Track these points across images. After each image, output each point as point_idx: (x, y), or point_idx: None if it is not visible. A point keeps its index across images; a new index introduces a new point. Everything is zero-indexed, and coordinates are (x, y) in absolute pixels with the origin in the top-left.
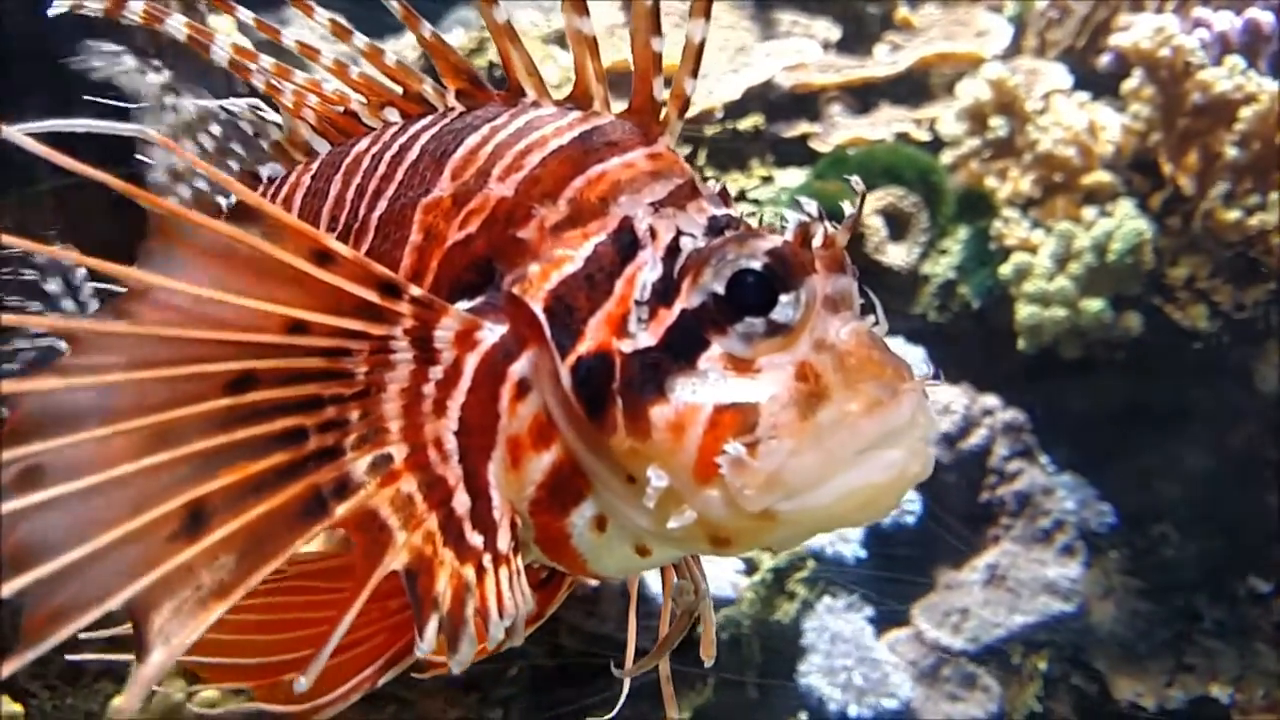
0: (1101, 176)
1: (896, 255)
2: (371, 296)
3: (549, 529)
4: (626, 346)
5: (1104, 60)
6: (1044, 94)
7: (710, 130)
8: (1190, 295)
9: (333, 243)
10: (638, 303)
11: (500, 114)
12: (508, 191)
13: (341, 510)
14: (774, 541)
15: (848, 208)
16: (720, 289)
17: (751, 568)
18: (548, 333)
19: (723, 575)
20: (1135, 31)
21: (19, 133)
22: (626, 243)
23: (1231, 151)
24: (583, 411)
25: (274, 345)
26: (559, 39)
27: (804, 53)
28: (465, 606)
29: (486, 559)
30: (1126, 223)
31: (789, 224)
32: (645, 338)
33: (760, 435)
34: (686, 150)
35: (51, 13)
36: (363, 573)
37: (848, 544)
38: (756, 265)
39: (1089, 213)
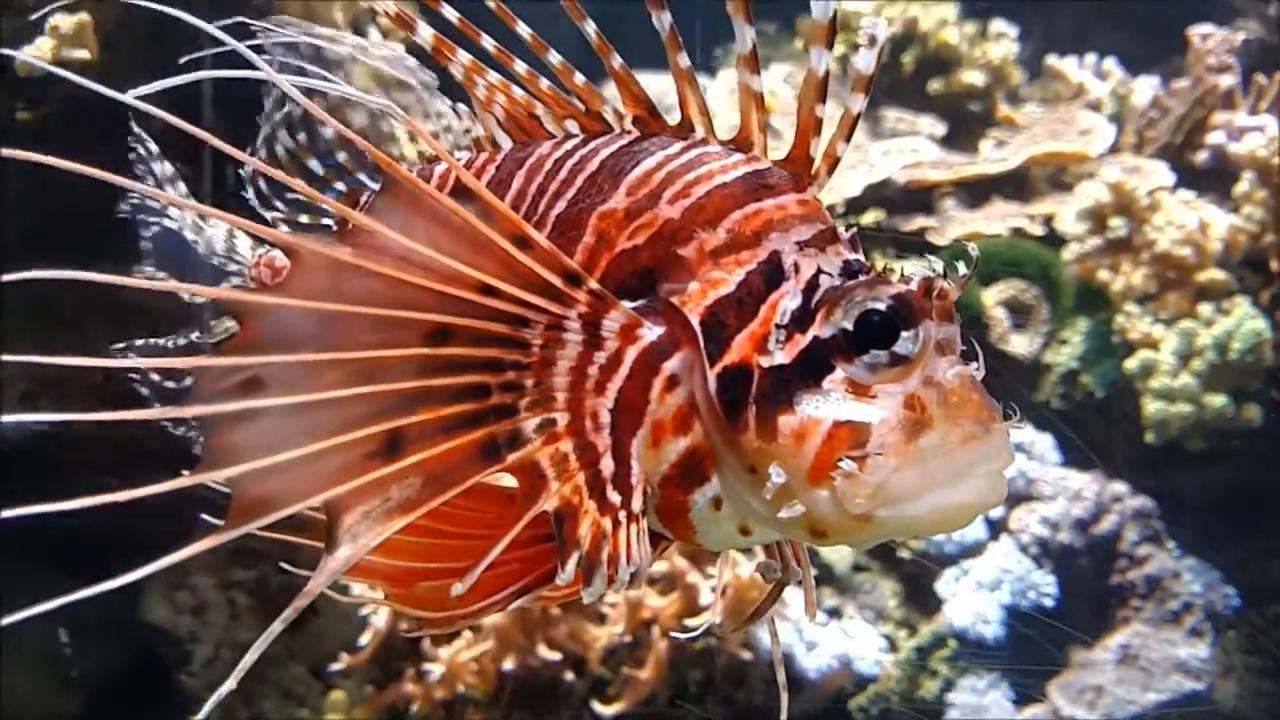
0: (1215, 274)
1: (1020, 344)
2: (556, 281)
3: (673, 501)
4: (765, 362)
5: (1201, 157)
6: (1149, 191)
7: None
8: None
9: (532, 231)
10: (778, 326)
11: (673, 145)
12: (675, 214)
13: (512, 458)
14: (863, 539)
15: (944, 264)
16: (849, 325)
17: (894, 646)
18: (701, 343)
19: (868, 653)
20: (1250, 140)
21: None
22: (773, 273)
23: None
24: (723, 412)
25: (468, 301)
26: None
27: (920, 151)
28: (601, 550)
29: (622, 515)
30: (1246, 322)
31: (915, 276)
32: (780, 356)
33: (869, 451)
34: None
35: None
36: (521, 508)
37: (988, 625)
38: (882, 306)
39: (1205, 309)
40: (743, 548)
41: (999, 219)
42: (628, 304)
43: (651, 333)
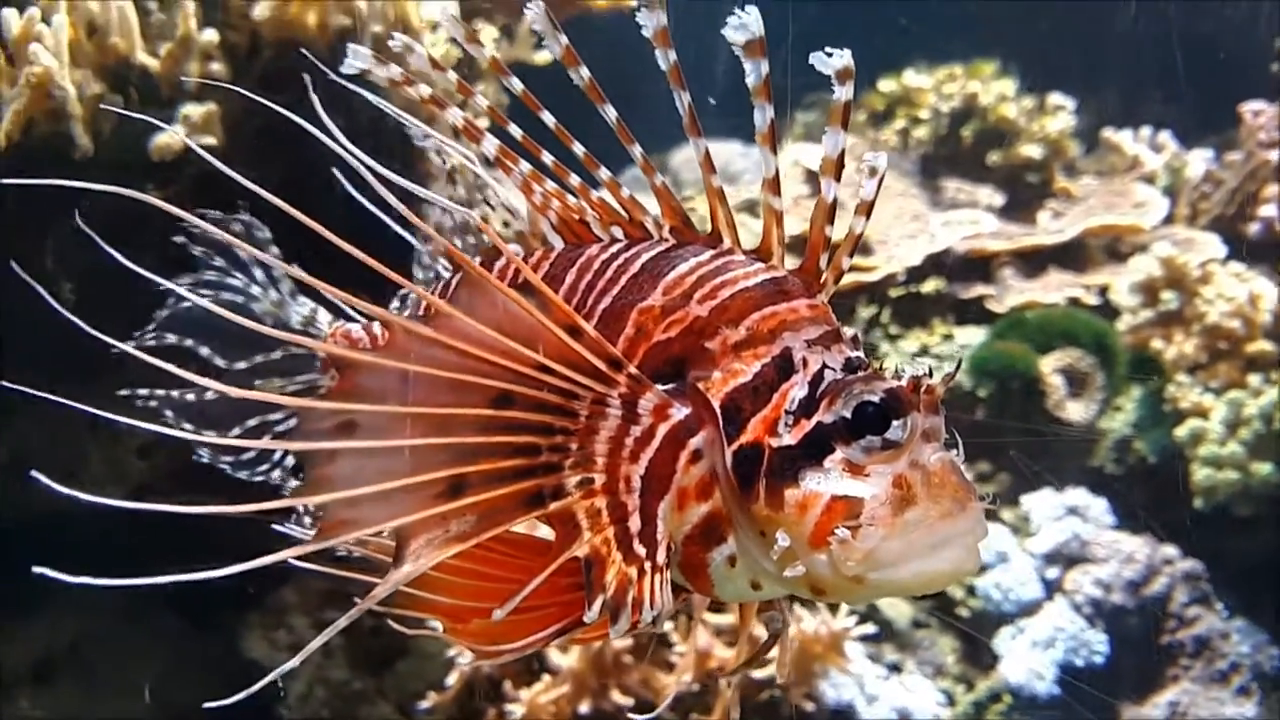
0: (1263, 345)
1: (1075, 411)
2: (601, 365)
3: (694, 558)
4: (774, 442)
5: (1253, 229)
6: (1201, 263)
7: (895, 292)
8: None
9: (582, 322)
10: (787, 412)
11: (704, 253)
12: (703, 312)
13: (553, 507)
14: (857, 598)
15: (929, 365)
16: (848, 414)
17: (952, 701)
18: (720, 425)
19: (927, 707)
20: None
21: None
22: (785, 366)
23: None
24: (737, 485)
25: (528, 376)
26: (748, 207)
27: (979, 222)
28: (626, 594)
29: (647, 565)
30: None
31: (905, 374)
32: (788, 438)
33: (862, 522)
34: (873, 310)
35: (344, 69)
36: (555, 551)
37: (1042, 681)
38: (876, 399)
39: (1254, 379)
40: (753, 600)
41: (1055, 288)
42: (661, 387)
43: (680, 412)
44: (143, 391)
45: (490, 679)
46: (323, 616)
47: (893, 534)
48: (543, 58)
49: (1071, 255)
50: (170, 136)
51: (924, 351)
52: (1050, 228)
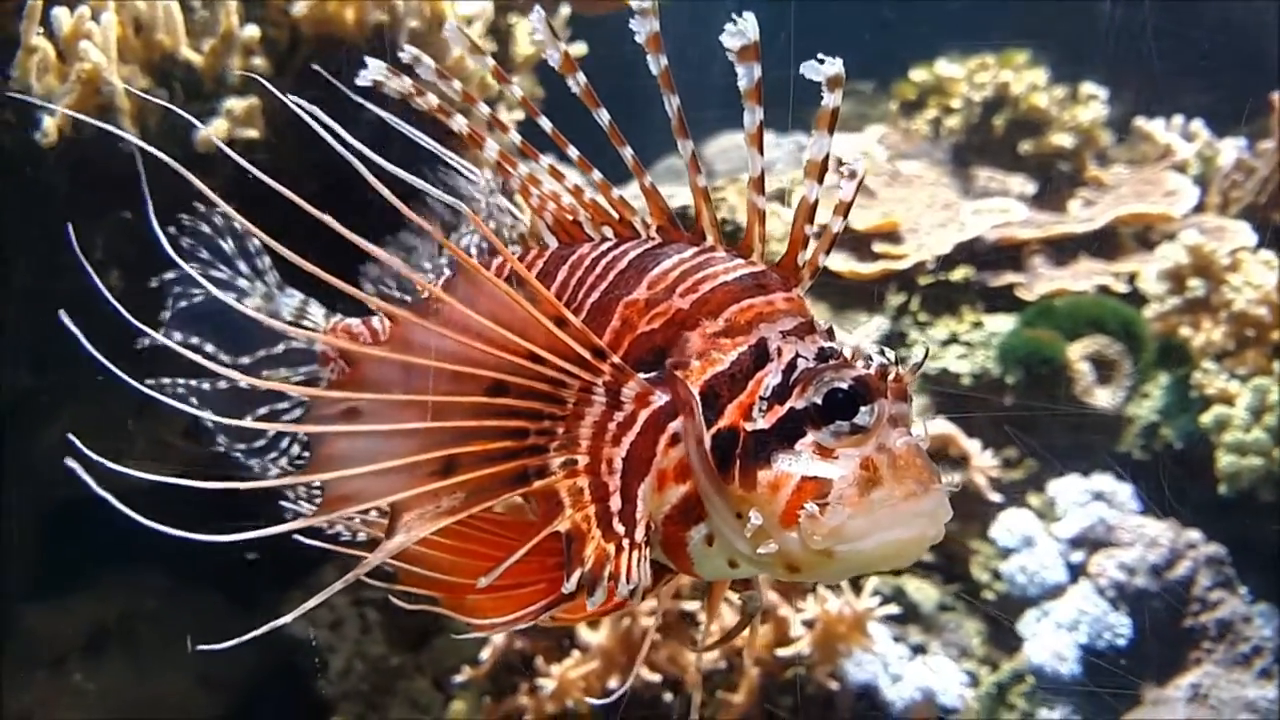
0: None
1: (1103, 398)
2: (586, 355)
3: (673, 537)
4: (749, 426)
5: None
6: (1231, 250)
7: (924, 280)
8: None
9: (569, 314)
10: (761, 398)
11: (688, 250)
12: (685, 305)
13: (537, 485)
14: (829, 575)
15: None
16: (819, 400)
17: (976, 681)
18: (699, 409)
19: (951, 687)
20: None
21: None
22: (760, 355)
23: None
24: (714, 465)
25: (519, 365)
26: (778, 196)
27: (1010, 211)
28: (604, 568)
29: (625, 542)
30: None
31: (873, 362)
32: (762, 422)
33: (830, 500)
34: (903, 297)
35: (359, 82)
36: (539, 526)
37: (1065, 663)
38: (845, 385)
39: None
40: (732, 579)
41: (1085, 276)
42: (643, 375)
43: (661, 399)
44: (180, 381)
45: (523, 655)
46: (361, 593)
47: (859, 512)
48: (576, 51)
49: (1102, 243)
50: (215, 129)
51: (954, 339)
52: (1081, 216)
